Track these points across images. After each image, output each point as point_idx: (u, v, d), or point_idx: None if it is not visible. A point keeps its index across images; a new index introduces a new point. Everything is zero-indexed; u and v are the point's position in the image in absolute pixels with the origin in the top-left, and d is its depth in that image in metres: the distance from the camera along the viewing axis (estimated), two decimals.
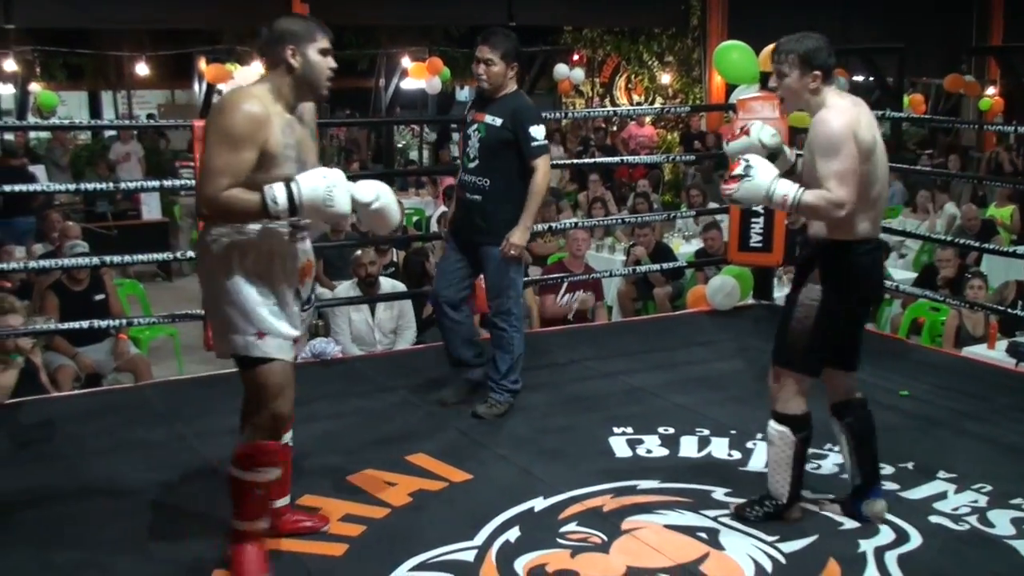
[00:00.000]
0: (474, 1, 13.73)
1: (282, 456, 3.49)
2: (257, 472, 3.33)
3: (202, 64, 15.58)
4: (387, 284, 6.79)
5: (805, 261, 3.72)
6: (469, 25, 17.52)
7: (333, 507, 3.93)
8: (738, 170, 3.55)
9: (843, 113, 3.48)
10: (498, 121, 4.69)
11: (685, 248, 9.49)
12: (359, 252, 6.76)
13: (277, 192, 3.11)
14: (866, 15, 15.80)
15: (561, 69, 15.83)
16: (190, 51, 17.11)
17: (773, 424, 3.71)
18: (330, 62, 3.30)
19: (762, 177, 3.51)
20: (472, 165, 4.77)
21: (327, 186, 3.13)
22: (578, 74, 16.27)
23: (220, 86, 12.67)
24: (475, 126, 4.77)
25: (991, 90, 16.36)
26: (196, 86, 16.51)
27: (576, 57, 17.57)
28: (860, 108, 3.57)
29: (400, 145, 17.80)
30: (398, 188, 13.53)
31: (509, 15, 13.98)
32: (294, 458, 4.35)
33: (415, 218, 11.55)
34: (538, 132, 4.68)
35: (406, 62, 15.05)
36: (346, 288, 6.84)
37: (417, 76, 14.19)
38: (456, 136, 16.53)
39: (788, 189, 3.49)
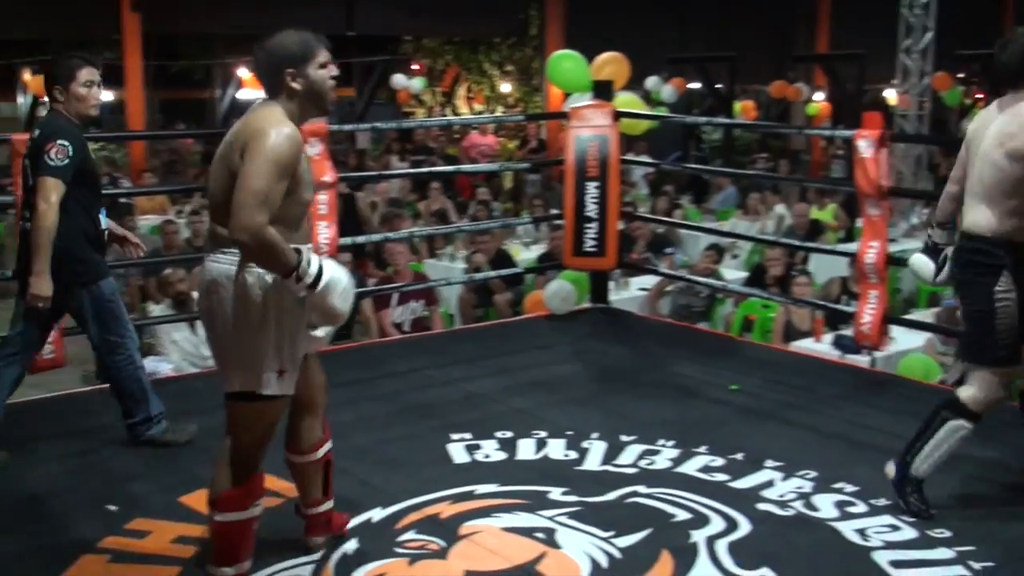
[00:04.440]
0: (312, 10, 13.61)
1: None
2: (255, 507, 3.29)
3: (26, 75, 15.03)
4: None
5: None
6: None
7: (166, 529, 3.82)
8: None
9: None
10: None
11: (525, 254, 9.58)
12: (168, 271, 6.70)
13: (312, 261, 3.00)
14: (699, 25, 16.29)
15: (399, 79, 15.81)
16: (13, 62, 16.47)
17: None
18: (332, 71, 3.15)
19: None
20: None
21: (347, 283, 3.09)
22: (417, 84, 16.29)
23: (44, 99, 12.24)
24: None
25: (818, 95, 17.06)
26: (20, 98, 15.90)
27: (416, 67, 17.57)
28: None
29: None
30: None
31: (348, 24, 13.92)
32: (126, 479, 4.26)
33: None
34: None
35: (243, 72, 14.82)
36: (161, 310, 6.75)
37: (254, 87, 13.99)
38: None
39: None
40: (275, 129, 2.96)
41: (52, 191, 4.16)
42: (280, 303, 3.06)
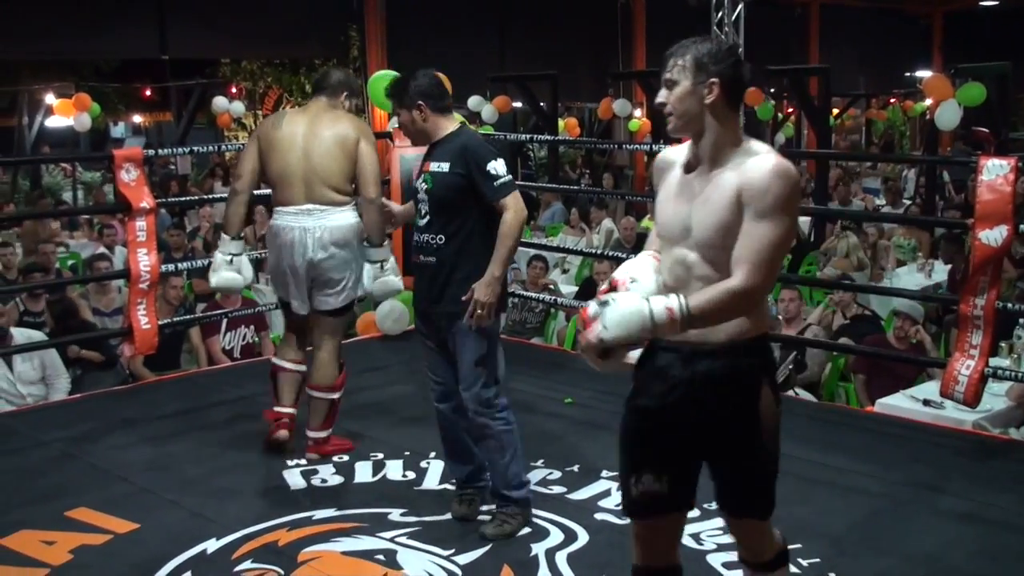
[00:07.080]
0: (124, 34, 13.16)
1: None
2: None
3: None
4: (20, 335, 6.31)
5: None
6: (120, 59, 16.81)
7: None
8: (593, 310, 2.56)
9: None
10: (444, 166, 3.93)
11: None
12: None
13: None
14: (520, 44, 16.49)
15: (220, 102, 15.46)
16: None
17: None
18: None
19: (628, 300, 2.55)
20: (422, 223, 3.99)
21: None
22: (237, 107, 15.97)
23: None
24: (421, 178, 4.02)
25: (638, 112, 17.47)
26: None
27: (235, 90, 17.25)
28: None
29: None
30: None
31: (162, 48, 13.54)
32: None
33: (70, 262, 10.90)
34: (498, 167, 3.88)
35: (50, 99, 14.29)
36: None
37: (64, 113, 13.51)
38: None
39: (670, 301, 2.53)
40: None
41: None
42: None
